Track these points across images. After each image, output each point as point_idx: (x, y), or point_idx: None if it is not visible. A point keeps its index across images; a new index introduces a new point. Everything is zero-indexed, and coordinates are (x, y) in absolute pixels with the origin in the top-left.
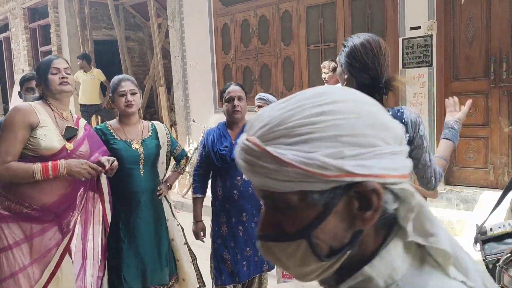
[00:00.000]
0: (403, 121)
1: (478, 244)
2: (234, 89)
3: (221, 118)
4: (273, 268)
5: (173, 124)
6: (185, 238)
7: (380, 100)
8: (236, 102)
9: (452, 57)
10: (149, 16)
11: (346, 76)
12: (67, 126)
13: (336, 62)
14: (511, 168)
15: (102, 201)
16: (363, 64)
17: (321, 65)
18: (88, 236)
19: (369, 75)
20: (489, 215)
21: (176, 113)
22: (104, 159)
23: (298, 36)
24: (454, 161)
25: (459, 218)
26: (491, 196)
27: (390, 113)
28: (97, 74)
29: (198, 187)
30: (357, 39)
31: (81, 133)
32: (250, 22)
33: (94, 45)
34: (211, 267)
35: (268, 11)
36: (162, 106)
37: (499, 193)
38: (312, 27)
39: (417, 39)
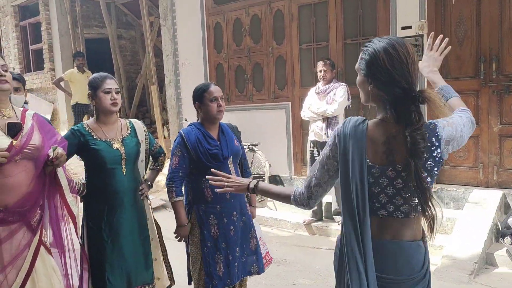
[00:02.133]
0: (437, 135)
1: (506, 238)
2: (217, 89)
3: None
4: (263, 271)
5: (165, 123)
6: (162, 236)
7: (418, 111)
8: (220, 102)
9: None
10: (141, 15)
11: (370, 88)
12: (7, 123)
13: (331, 60)
14: (500, 167)
15: (62, 194)
16: (390, 76)
17: (318, 63)
18: (63, 233)
19: (400, 87)
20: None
21: (168, 112)
22: (50, 151)
23: (290, 35)
24: None
25: (449, 216)
26: (480, 194)
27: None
28: (90, 75)
29: (179, 190)
30: (379, 44)
31: (28, 125)
32: (243, 21)
33: (86, 44)
34: (193, 271)
35: (260, 10)
36: (154, 105)
37: (488, 191)
38: (304, 26)
39: (408, 38)
